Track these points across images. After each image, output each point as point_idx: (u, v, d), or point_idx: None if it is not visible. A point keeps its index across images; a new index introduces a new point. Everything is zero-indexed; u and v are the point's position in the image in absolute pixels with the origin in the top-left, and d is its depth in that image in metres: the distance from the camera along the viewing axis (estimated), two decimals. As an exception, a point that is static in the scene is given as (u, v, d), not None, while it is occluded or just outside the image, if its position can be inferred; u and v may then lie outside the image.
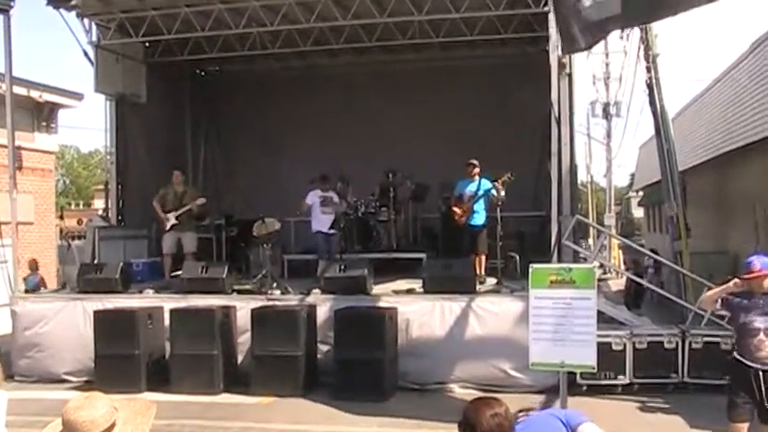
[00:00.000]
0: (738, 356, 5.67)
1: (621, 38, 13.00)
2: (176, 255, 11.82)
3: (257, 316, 9.38)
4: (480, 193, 10.62)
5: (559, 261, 8.91)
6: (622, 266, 22.73)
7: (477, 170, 10.81)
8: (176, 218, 11.64)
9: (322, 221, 11.80)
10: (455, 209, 10.91)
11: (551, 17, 10.01)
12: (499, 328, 9.13)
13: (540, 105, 11.12)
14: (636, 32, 12.15)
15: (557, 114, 9.63)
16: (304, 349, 9.11)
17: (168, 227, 11.69)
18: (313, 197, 11.87)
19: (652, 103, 11.94)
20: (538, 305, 7.12)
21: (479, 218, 10.78)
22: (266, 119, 15.51)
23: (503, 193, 10.38)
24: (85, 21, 12.57)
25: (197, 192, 12.48)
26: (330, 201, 11.88)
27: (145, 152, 13.77)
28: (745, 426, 5.62)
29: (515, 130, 13.94)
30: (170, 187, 11.91)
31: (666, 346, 9.02)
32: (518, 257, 11.18)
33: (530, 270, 7.24)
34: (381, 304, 9.58)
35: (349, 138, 14.82)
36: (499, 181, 10.41)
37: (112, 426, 2.68)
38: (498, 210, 10.46)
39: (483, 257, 10.69)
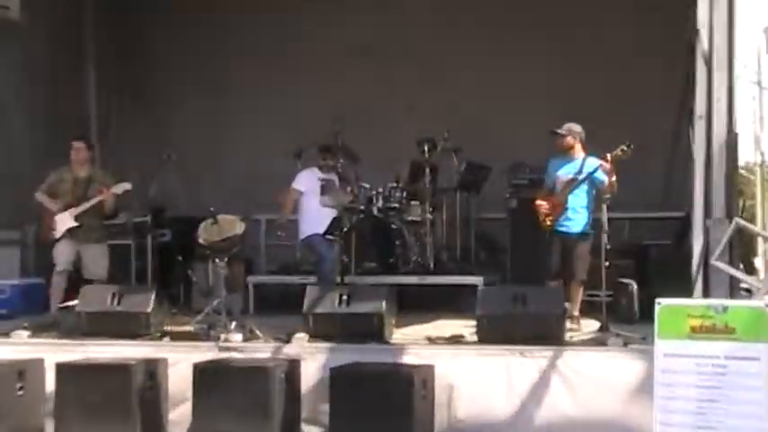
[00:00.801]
0: None
1: None
2: (74, 275, 11.71)
3: (203, 376, 9.38)
4: (582, 177, 10.55)
5: (706, 294, 8.91)
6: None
7: (572, 142, 10.67)
8: (75, 217, 11.54)
9: (321, 219, 11.70)
10: (540, 203, 10.76)
11: None
12: (603, 401, 9.11)
13: (678, 36, 11.13)
14: None
15: (705, 50, 9.62)
16: (279, 431, 9.18)
17: (59, 233, 11.57)
18: (308, 181, 12.01)
19: None
20: (670, 368, 7.11)
21: (578, 220, 10.61)
22: (220, 54, 15.57)
23: (614, 179, 10.32)
24: None
25: (112, 176, 12.08)
26: (332, 186, 11.96)
27: (18, 105, 13.85)
28: None
29: (637, 79, 13.90)
30: (67, 169, 11.77)
31: None
32: (635, 286, 11.17)
33: (656, 308, 7.25)
34: (408, 360, 9.59)
35: (355, 85, 14.83)
36: (608, 156, 10.24)
37: None
38: (605, 208, 10.38)
39: (580, 286, 10.72)
